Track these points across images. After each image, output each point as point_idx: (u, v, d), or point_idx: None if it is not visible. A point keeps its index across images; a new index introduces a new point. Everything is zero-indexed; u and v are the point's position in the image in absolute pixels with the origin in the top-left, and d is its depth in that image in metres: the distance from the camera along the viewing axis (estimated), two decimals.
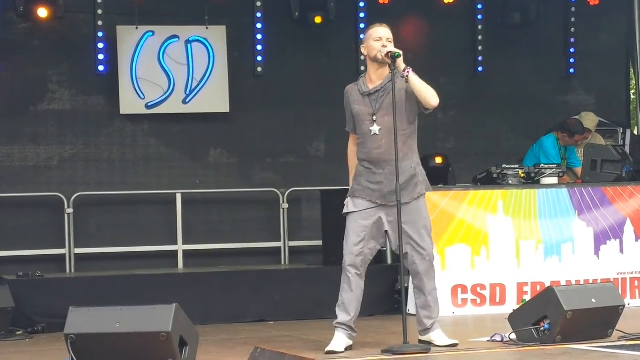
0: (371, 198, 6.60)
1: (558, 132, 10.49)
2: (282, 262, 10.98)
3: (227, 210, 11.16)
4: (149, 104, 10.95)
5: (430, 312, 6.72)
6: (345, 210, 6.65)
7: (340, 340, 6.59)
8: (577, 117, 10.80)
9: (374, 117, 6.57)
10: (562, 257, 9.05)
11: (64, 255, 10.45)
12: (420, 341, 6.69)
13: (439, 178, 10.09)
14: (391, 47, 6.60)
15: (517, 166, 9.53)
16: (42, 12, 10.45)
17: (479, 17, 11.77)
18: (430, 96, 6.55)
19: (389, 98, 6.49)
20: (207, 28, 11.08)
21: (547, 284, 8.49)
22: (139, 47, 10.91)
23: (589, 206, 9.13)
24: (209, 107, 11.12)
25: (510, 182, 9.27)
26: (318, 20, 11.18)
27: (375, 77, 6.68)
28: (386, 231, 6.63)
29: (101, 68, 10.71)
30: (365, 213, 6.61)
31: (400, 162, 6.43)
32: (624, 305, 6.95)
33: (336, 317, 6.65)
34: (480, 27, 11.78)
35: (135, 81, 10.88)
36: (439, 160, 10.81)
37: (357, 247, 6.60)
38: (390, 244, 6.78)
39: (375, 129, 6.56)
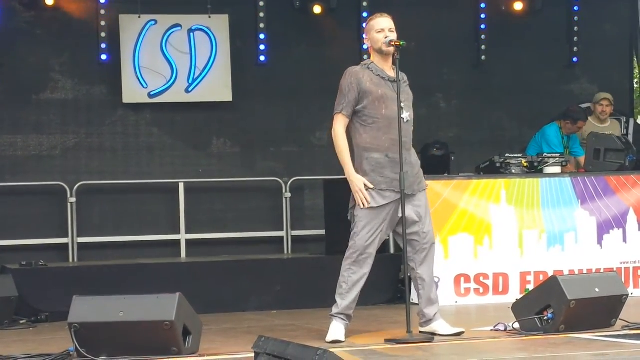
0: (397, 189, 6.57)
1: (561, 121, 10.48)
2: (285, 251, 10.98)
3: (230, 199, 11.15)
4: (151, 93, 10.94)
5: (435, 302, 6.74)
6: (373, 205, 6.55)
7: (339, 329, 6.60)
8: (586, 104, 10.80)
9: (402, 105, 6.57)
10: (565, 247, 9.04)
11: (67, 244, 10.45)
12: (422, 332, 6.69)
13: (438, 167, 10.08)
14: (394, 37, 6.62)
15: (520, 155, 9.53)
16: (49, 0, 10.49)
17: (482, 5, 11.75)
18: None
19: (407, 89, 6.66)
20: (209, 17, 11.06)
21: (550, 274, 8.50)
22: (142, 36, 10.89)
23: (592, 195, 9.13)
24: (212, 96, 11.11)
25: (513, 171, 9.26)
26: (317, 10, 11.16)
27: (386, 68, 6.69)
28: (400, 218, 6.59)
29: (104, 57, 10.69)
30: (390, 205, 6.60)
31: (412, 152, 6.65)
32: (627, 295, 6.96)
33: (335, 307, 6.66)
34: (483, 15, 11.77)
35: (137, 70, 10.86)
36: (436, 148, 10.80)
37: (376, 238, 6.60)
38: (397, 230, 6.74)
39: (406, 115, 6.57)
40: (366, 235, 6.58)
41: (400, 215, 6.58)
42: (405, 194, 6.53)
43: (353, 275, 6.61)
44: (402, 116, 6.54)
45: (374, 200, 6.58)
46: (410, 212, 6.58)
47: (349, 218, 6.69)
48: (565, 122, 10.42)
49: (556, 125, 10.45)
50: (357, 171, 6.64)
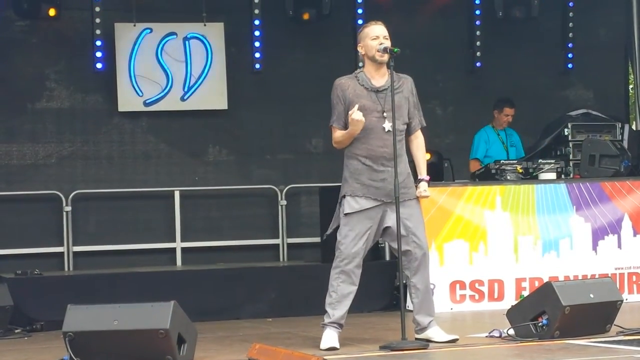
0: (376, 196, 6.59)
1: (492, 119, 10.51)
2: (281, 258, 10.97)
3: (226, 207, 11.15)
4: (147, 101, 10.95)
5: (430, 310, 6.73)
6: (349, 210, 6.59)
7: (333, 337, 6.59)
8: None
9: (384, 114, 6.58)
10: (560, 253, 9.04)
11: (63, 253, 10.45)
12: (417, 339, 6.68)
13: (431, 175, 10.07)
14: (388, 44, 6.63)
15: (515, 162, 9.54)
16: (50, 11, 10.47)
17: (477, 12, 11.76)
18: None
19: (396, 97, 6.57)
20: (204, 25, 11.07)
21: (545, 280, 8.50)
22: (137, 44, 10.90)
23: (587, 202, 9.13)
24: (207, 104, 11.11)
25: (508, 177, 9.27)
26: (306, 17, 11.14)
27: (377, 75, 6.68)
28: (386, 227, 6.62)
29: (99, 65, 10.68)
30: (369, 212, 6.61)
31: (399, 161, 6.54)
32: (622, 301, 6.96)
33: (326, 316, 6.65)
34: (478, 22, 11.78)
35: (133, 78, 10.87)
36: (427, 156, 10.77)
37: (362, 246, 6.60)
38: (389, 241, 6.76)
39: (387, 126, 6.57)
40: (351, 242, 6.58)
41: (386, 225, 6.61)
42: (387, 202, 6.55)
43: (342, 285, 6.61)
44: (384, 125, 6.57)
45: (350, 206, 6.60)
46: (392, 222, 6.58)
47: (322, 238, 6.71)
48: (494, 111, 10.45)
49: (486, 127, 10.48)
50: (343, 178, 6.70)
